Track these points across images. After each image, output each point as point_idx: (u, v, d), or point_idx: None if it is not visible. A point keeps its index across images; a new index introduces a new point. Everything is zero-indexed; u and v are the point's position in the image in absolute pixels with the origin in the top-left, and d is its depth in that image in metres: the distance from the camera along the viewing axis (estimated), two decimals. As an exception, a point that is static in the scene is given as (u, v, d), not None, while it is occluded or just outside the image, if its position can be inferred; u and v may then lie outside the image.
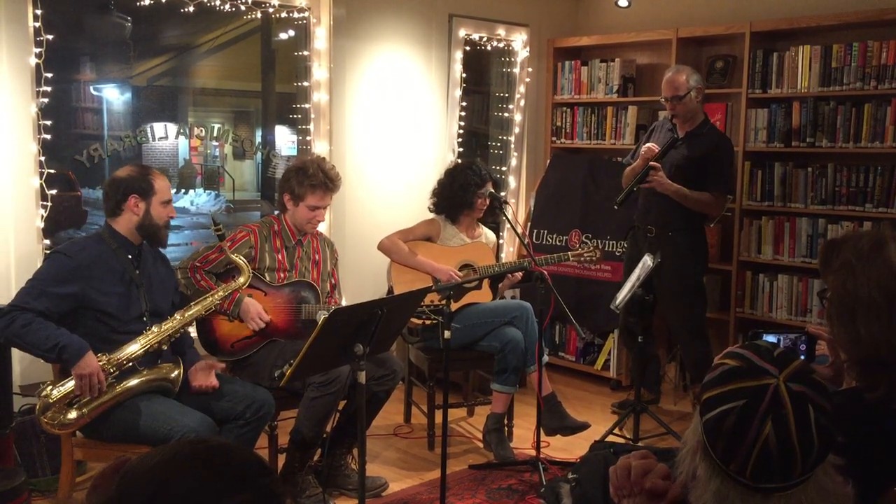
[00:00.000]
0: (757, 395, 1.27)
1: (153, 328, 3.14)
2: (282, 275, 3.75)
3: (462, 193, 4.35)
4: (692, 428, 1.37)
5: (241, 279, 3.40)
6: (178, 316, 3.20)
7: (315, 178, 3.74)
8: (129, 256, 3.21)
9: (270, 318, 3.63)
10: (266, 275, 3.72)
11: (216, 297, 3.33)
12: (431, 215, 4.49)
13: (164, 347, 3.19)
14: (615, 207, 4.51)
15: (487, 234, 4.58)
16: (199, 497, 1.01)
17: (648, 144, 4.48)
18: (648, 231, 4.57)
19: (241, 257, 3.47)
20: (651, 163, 4.35)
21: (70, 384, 2.98)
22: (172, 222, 3.35)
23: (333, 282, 3.98)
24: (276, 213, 3.94)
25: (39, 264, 3.86)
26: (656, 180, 4.35)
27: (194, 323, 3.62)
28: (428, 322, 3.88)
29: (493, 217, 4.73)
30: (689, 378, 4.99)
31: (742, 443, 1.26)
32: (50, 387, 2.98)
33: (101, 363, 2.98)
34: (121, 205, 3.18)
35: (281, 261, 3.76)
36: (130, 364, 3.07)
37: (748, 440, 1.26)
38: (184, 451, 1.07)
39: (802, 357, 2.09)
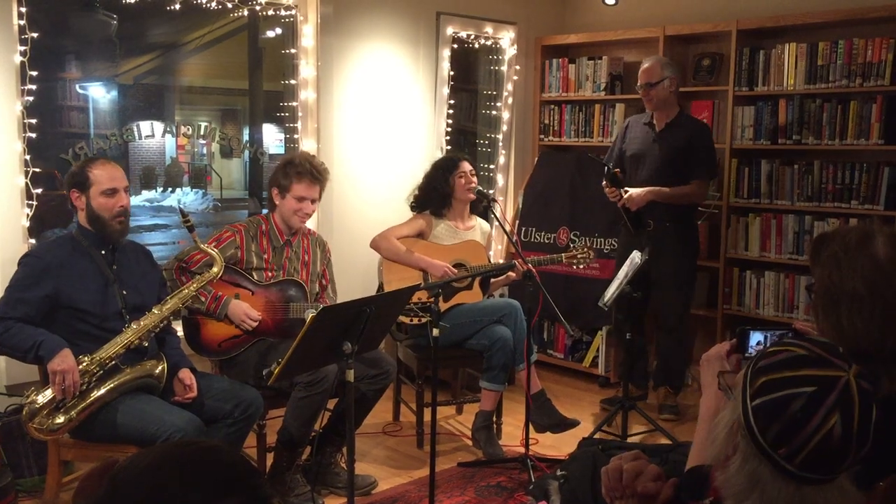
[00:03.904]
0: (828, 384, 1.26)
1: (132, 325, 3.11)
2: (270, 274, 3.73)
3: (436, 182, 4.37)
4: (730, 408, 1.34)
5: (215, 269, 3.35)
6: (155, 311, 3.17)
7: (301, 167, 3.75)
8: (103, 253, 3.18)
9: (259, 314, 3.62)
10: (254, 274, 3.70)
11: (191, 288, 3.29)
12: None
13: (146, 344, 3.16)
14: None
15: (482, 224, 4.57)
16: (190, 501, 1.01)
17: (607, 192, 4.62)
18: (647, 224, 4.61)
19: (211, 247, 3.42)
20: (608, 191, 4.57)
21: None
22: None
23: (325, 282, 3.95)
24: (265, 212, 3.91)
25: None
26: (630, 201, 4.48)
27: (181, 322, 3.61)
28: (416, 320, 3.88)
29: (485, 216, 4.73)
30: (656, 367, 4.92)
31: (802, 430, 1.24)
32: (34, 392, 2.95)
33: (83, 364, 2.96)
34: (70, 201, 3.17)
35: (268, 261, 3.74)
36: (113, 363, 3.05)
37: (809, 428, 1.24)
38: (173, 455, 1.07)
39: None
